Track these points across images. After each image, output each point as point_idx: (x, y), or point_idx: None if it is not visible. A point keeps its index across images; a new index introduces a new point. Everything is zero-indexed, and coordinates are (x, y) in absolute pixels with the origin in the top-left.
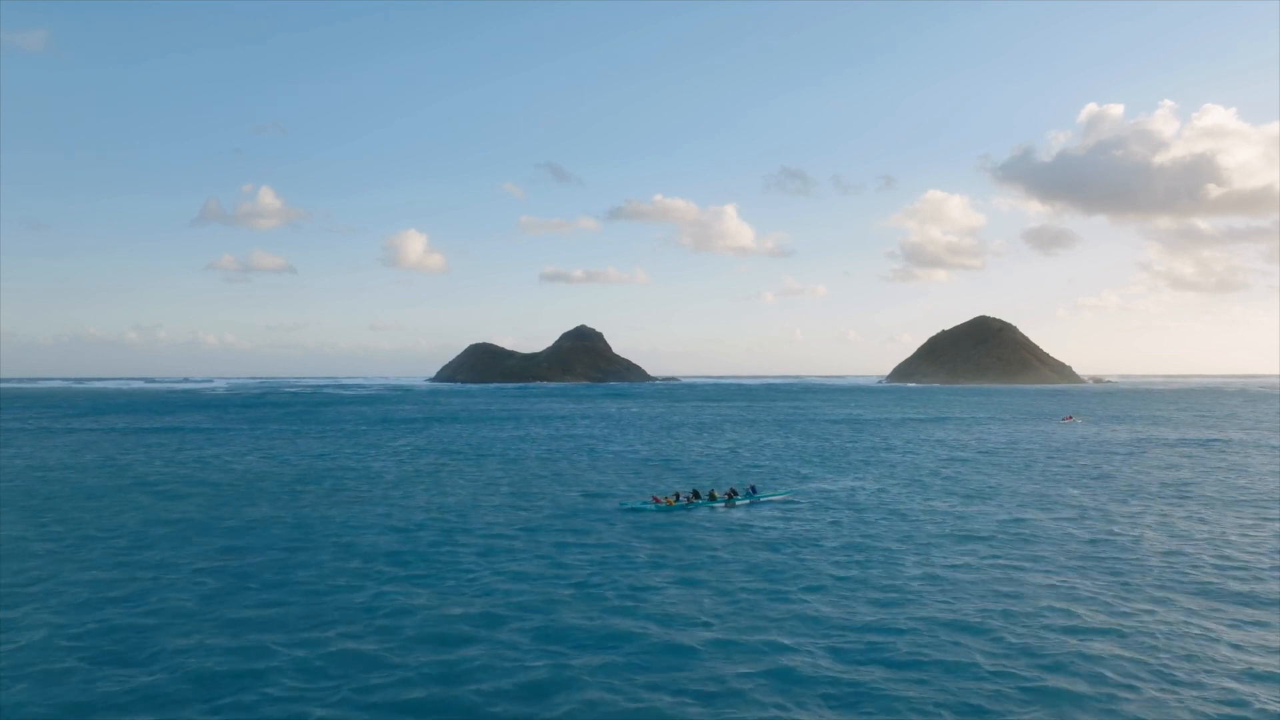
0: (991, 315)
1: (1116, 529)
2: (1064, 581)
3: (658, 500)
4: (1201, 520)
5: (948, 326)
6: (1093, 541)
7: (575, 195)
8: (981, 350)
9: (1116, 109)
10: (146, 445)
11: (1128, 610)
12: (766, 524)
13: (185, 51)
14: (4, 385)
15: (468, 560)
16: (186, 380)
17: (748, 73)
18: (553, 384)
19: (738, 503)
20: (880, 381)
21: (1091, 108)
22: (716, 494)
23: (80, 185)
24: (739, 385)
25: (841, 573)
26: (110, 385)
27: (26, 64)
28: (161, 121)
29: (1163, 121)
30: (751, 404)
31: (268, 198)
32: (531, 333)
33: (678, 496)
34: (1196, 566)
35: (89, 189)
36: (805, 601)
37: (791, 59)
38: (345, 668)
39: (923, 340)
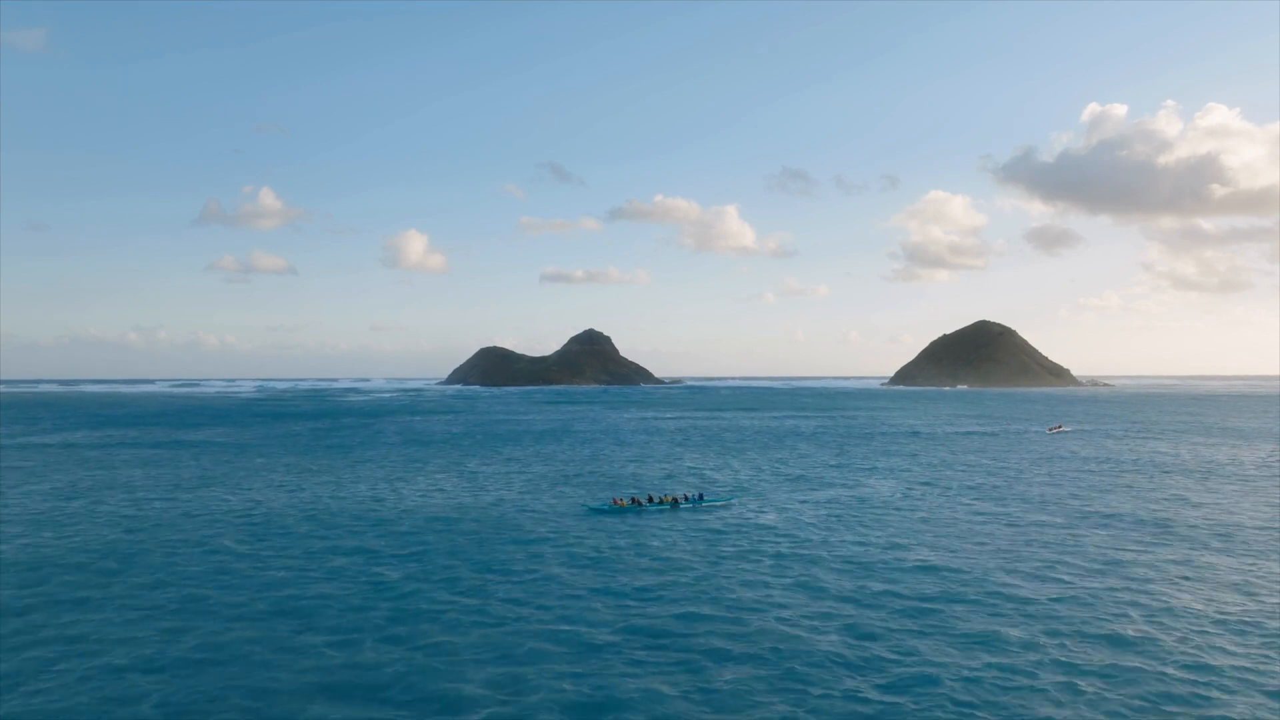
0: (992, 318)
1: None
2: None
3: (616, 502)
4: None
5: (949, 328)
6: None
7: (576, 195)
8: (982, 354)
9: (1119, 109)
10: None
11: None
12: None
13: (185, 51)
14: (5, 389)
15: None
16: (199, 383)
17: (749, 73)
18: (563, 386)
19: (683, 506)
20: (883, 384)
21: (1094, 108)
22: (666, 499)
23: (80, 185)
24: (767, 389)
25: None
26: (122, 389)
27: (26, 63)
28: (161, 121)
29: (1166, 121)
30: (806, 413)
31: (268, 198)
32: (533, 333)
33: (633, 500)
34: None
35: (89, 189)
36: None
37: (792, 59)
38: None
39: (924, 342)
